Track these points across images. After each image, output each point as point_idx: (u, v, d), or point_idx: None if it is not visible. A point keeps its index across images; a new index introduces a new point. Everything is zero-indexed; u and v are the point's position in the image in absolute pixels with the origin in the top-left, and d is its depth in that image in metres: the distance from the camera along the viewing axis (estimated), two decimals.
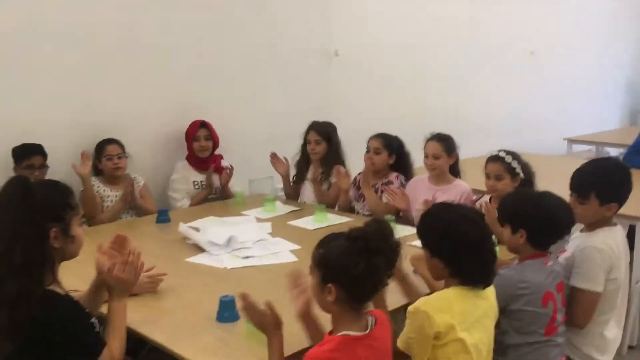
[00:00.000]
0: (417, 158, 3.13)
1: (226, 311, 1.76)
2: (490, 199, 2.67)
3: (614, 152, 5.49)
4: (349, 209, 3.20)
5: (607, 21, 6.94)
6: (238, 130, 3.74)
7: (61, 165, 2.96)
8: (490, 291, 1.63)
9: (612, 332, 2.03)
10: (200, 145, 3.37)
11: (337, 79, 4.28)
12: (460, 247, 1.55)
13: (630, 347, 2.90)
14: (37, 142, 2.86)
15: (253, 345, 1.62)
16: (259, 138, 3.87)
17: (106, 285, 1.62)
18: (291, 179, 3.47)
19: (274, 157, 3.42)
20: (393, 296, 1.75)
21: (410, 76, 4.75)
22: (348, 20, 4.29)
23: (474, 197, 2.88)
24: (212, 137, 3.41)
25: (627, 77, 7.54)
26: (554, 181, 2.13)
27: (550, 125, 6.17)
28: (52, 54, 2.99)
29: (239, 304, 1.52)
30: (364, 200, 3.14)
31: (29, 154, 2.79)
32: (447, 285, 1.60)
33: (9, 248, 1.42)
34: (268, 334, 1.49)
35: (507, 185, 2.53)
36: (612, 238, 1.97)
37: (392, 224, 2.54)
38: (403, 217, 2.94)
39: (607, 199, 1.96)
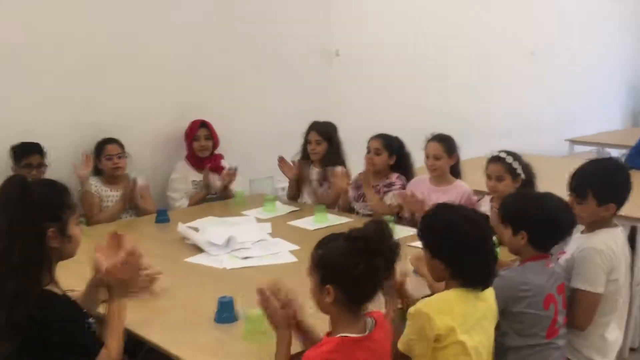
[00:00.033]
0: (418, 158, 3.12)
1: (224, 312, 1.75)
2: (491, 200, 2.66)
3: (615, 153, 5.46)
4: (348, 210, 3.19)
5: (609, 21, 6.92)
6: (238, 130, 3.73)
7: (61, 165, 2.96)
8: (490, 293, 1.62)
9: (613, 334, 2.02)
10: (200, 145, 3.37)
11: (337, 79, 4.27)
12: (460, 248, 1.54)
13: (632, 350, 2.89)
14: (36, 141, 2.85)
15: (251, 346, 1.61)
16: (260, 138, 3.87)
17: (105, 286, 1.61)
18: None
19: (281, 161, 3.37)
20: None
21: (411, 76, 4.74)
22: (349, 20, 4.28)
23: (475, 198, 2.87)
24: (212, 137, 3.40)
25: (629, 77, 7.52)
26: (555, 182, 2.12)
27: (552, 126, 6.15)
28: (52, 53, 2.99)
29: (258, 297, 1.48)
30: (363, 201, 3.13)
31: (27, 153, 2.79)
32: (447, 287, 1.59)
33: (6, 248, 1.42)
34: (278, 330, 1.47)
35: (508, 186, 2.52)
36: (612, 239, 1.96)
37: (392, 225, 2.55)
38: (409, 219, 2.90)
39: (605, 199, 1.95)
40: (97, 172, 3.10)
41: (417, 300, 1.61)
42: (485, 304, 1.60)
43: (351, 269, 1.32)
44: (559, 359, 1.84)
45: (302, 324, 1.51)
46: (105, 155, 3.04)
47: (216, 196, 3.39)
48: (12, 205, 1.45)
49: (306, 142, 3.35)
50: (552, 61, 6.11)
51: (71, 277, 1.64)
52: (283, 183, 3.82)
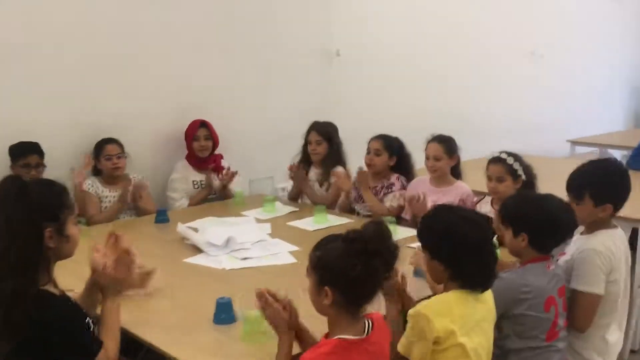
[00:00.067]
0: (418, 159, 3.11)
1: (223, 313, 1.74)
2: (491, 201, 2.65)
3: (617, 154, 5.46)
4: (349, 210, 3.18)
5: (611, 22, 6.91)
6: (238, 130, 3.72)
7: (60, 165, 2.96)
8: (489, 295, 1.62)
9: (614, 336, 2.01)
10: (200, 145, 3.36)
11: (338, 79, 4.26)
12: (459, 249, 1.53)
13: (633, 351, 2.87)
14: (35, 141, 2.85)
15: (249, 347, 1.61)
16: (260, 138, 3.86)
17: (99, 285, 1.61)
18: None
19: (292, 169, 3.30)
20: None
21: (411, 76, 4.73)
22: (349, 21, 4.28)
23: (475, 199, 2.86)
24: (212, 137, 3.40)
25: (631, 78, 7.50)
26: (557, 183, 2.11)
27: (553, 126, 6.14)
28: (52, 53, 2.98)
29: (257, 301, 1.48)
30: (364, 201, 3.12)
31: (25, 153, 2.78)
32: (446, 289, 1.58)
33: (4, 248, 1.41)
34: (279, 333, 1.47)
35: (508, 187, 2.51)
36: (612, 240, 1.95)
37: (393, 226, 2.55)
38: (411, 220, 2.89)
39: (601, 199, 1.94)
40: (97, 172, 3.10)
41: (418, 302, 1.60)
42: (484, 306, 1.59)
43: (349, 270, 1.31)
44: None
45: (299, 326, 1.51)
46: (105, 156, 3.03)
47: (216, 196, 3.38)
48: (9, 205, 1.44)
49: (306, 142, 3.34)
50: (553, 61, 6.10)
51: (70, 277, 1.64)
52: (283, 183, 3.81)
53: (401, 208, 2.99)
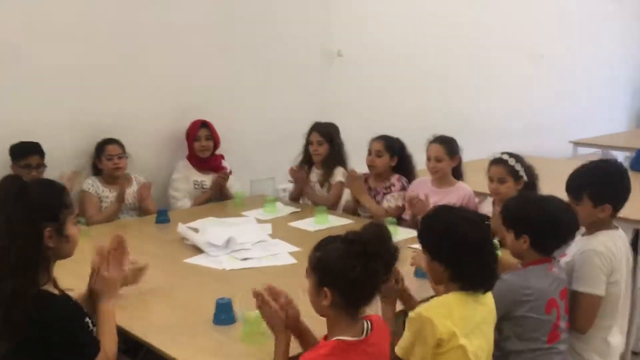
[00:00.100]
0: (420, 160, 3.11)
1: (222, 313, 1.74)
2: (493, 203, 2.64)
3: (620, 155, 5.45)
4: (352, 211, 3.17)
5: (613, 23, 6.90)
6: (239, 130, 3.72)
7: (61, 165, 2.96)
8: (489, 296, 1.61)
9: (615, 337, 2.00)
10: (201, 145, 3.36)
11: (339, 79, 4.26)
12: (459, 250, 1.53)
13: (635, 353, 2.86)
14: (35, 141, 2.84)
15: (249, 347, 1.60)
16: (260, 139, 3.86)
17: (94, 289, 1.61)
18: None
19: (293, 170, 3.30)
20: None
21: (413, 77, 4.73)
22: (351, 21, 4.27)
23: (477, 200, 2.85)
24: (213, 137, 3.39)
25: (633, 78, 7.49)
26: (559, 184, 2.10)
27: (555, 127, 6.13)
28: (52, 53, 2.98)
29: (256, 300, 1.48)
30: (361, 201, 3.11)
31: (26, 154, 2.78)
32: (447, 290, 1.57)
33: (3, 247, 1.41)
34: (276, 333, 1.46)
35: (510, 188, 2.51)
36: (612, 241, 1.94)
37: (394, 227, 2.54)
38: (410, 221, 2.89)
39: (600, 200, 1.94)
40: (97, 172, 3.10)
41: (420, 303, 1.60)
42: (485, 308, 1.59)
43: (348, 271, 1.31)
44: None
45: (300, 325, 1.50)
46: (106, 156, 3.03)
47: (215, 196, 3.38)
48: (9, 205, 1.44)
49: (308, 143, 3.33)
50: (555, 62, 6.10)
51: (70, 277, 1.63)
52: (284, 184, 3.81)
53: (400, 208, 2.98)
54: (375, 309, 1.49)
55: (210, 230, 2.56)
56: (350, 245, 1.33)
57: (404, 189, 3.03)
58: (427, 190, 2.88)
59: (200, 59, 3.55)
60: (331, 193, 3.26)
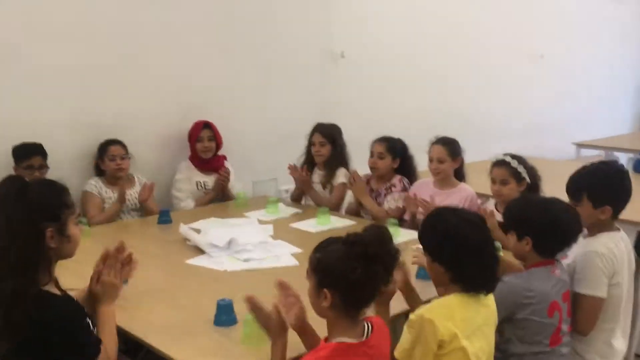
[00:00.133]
0: (422, 161, 3.10)
1: (223, 315, 1.74)
2: (495, 204, 2.64)
3: (623, 157, 5.43)
4: (354, 212, 3.17)
5: (616, 24, 6.88)
6: (241, 131, 3.72)
7: (63, 166, 2.96)
8: (490, 298, 1.60)
9: (618, 340, 1.99)
10: (204, 146, 3.36)
11: (341, 80, 4.26)
12: (460, 251, 1.52)
13: (638, 356, 2.84)
14: (37, 142, 2.85)
15: (250, 349, 1.60)
16: (263, 139, 3.86)
17: (94, 292, 1.62)
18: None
19: (293, 168, 3.30)
20: (392, 302, 1.71)
21: (415, 78, 4.72)
22: (352, 22, 4.27)
23: (479, 202, 2.84)
24: (216, 138, 3.39)
25: (637, 80, 7.46)
26: (561, 186, 2.10)
27: (559, 129, 6.11)
28: (54, 53, 2.98)
29: (247, 305, 1.49)
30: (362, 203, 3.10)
31: (28, 154, 2.78)
32: (448, 291, 1.57)
33: (4, 248, 1.41)
34: (273, 336, 1.46)
35: (512, 190, 2.50)
36: (614, 242, 1.94)
37: (395, 228, 2.54)
38: (410, 221, 2.89)
39: (599, 201, 1.94)
40: (100, 172, 3.10)
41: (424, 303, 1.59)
42: (486, 310, 1.58)
43: (349, 273, 1.30)
44: None
45: (306, 326, 1.50)
46: (109, 156, 3.03)
47: (218, 197, 3.38)
48: (10, 205, 1.44)
49: (310, 144, 3.33)
50: (556, 63, 6.08)
51: (71, 277, 1.63)
52: (286, 185, 3.80)
53: (400, 209, 2.97)
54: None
55: (212, 231, 2.56)
56: (350, 247, 1.33)
57: (405, 189, 3.03)
58: (429, 192, 2.88)
59: (202, 60, 3.55)
60: (333, 194, 3.26)
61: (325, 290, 1.33)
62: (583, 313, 1.89)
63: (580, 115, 6.46)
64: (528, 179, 2.51)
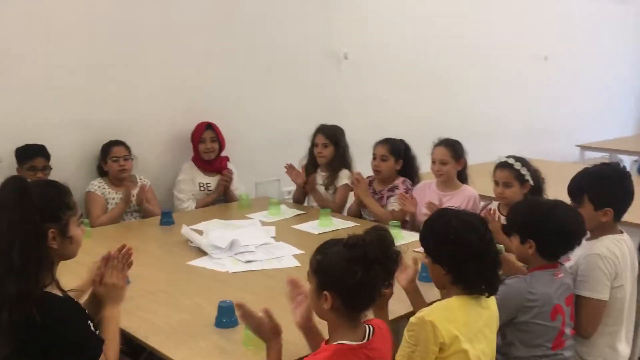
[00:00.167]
0: (425, 163, 3.09)
1: (225, 317, 1.73)
2: (498, 206, 2.63)
3: (627, 159, 5.41)
4: (358, 215, 3.16)
5: (621, 26, 6.85)
6: (244, 132, 3.72)
7: (66, 167, 2.96)
8: (492, 300, 1.60)
9: (621, 344, 1.98)
10: (206, 147, 3.36)
11: (345, 82, 4.26)
12: (460, 253, 1.52)
13: None
14: (40, 143, 2.85)
15: (251, 351, 1.59)
16: (266, 141, 3.86)
17: (99, 295, 1.61)
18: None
19: (290, 167, 3.32)
20: (394, 304, 1.71)
21: (418, 80, 4.72)
22: (357, 24, 4.27)
23: (482, 204, 2.83)
24: (219, 139, 3.40)
25: None
26: (565, 189, 2.09)
27: (562, 131, 6.10)
28: (56, 54, 2.98)
29: (237, 313, 1.50)
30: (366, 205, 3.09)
31: (31, 156, 2.78)
32: (448, 294, 1.57)
33: (6, 249, 1.40)
34: (266, 341, 1.47)
35: (516, 192, 2.49)
36: (616, 245, 1.93)
37: (397, 230, 2.53)
38: (410, 223, 2.89)
39: (601, 203, 1.93)
40: (103, 173, 3.10)
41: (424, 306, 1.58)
42: (487, 312, 1.57)
43: (349, 276, 1.30)
44: None
45: (312, 327, 1.49)
46: (112, 157, 3.04)
47: (223, 199, 3.38)
48: (11, 206, 1.43)
49: (313, 145, 3.33)
50: (564, 65, 6.06)
51: (72, 277, 1.62)
52: (289, 186, 3.80)
53: (404, 211, 2.97)
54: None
55: (214, 232, 2.56)
56: (351, 249, 1.32)
57: (407, 191, 3.02)
58: (431, 193, 2.88)
59: (205, 61, 3.55)
60: (336, 195, 3.25)
61: (325, 292, 1.33)
62: (585, 316, 1.88)
63: (585, 117, 6.44)
64: (531, 182, 2.50)
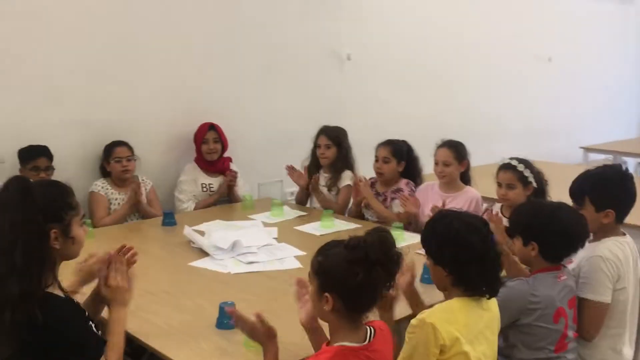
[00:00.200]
0: (428, 164, 3.08)
1: (225, 318, 1.73)
2: (501, 208, 2.62)
3: (631, 161, 5.39)
4: (359, 216, 3.16)
5: (625, 27, 6.83)
6: (247, 133, 3.72)
7: (68, 167, 2.96)
8: (493, 302, 1.59)
9: (625, 347, 1.97)
10: (209, 147, 3.36)
11: (348, 83, 4.25)
12: (461, 254, 1.52)
13: None
14: (43, 144, 2.86)
15: (252, 353, 1.59)
16: (268, 141, 3.86)
17: (104, 298, 1.60)
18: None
19: (290, 169, 3.33)
20: (397, 307, 1.70)
21: (422, 81, 4.71)
22: (360, 25, 4.27)
23: (485, 205, 2.82)
24: (221, 140, 3.40)
25: None
26: (568, 190, 2.08)
27: (566, 132, 6.08)
28: (57, 54, 2.98)
29: (232, 320, 1.51)
30: (371, 207, 3.09)
31: (34, 156, 2.79)
32: (450, 295, 1.56)
33: (8, 249, 1.40)
34: (262, 344, 1.47)
35: (518, 194, 2.48)
36: (619, 247, 1.92)
37: (400, 232, 2.53)
38: (412, 224, 2.89)
39: (602, 205, 1.92)
40: (106, 174, 3.11)
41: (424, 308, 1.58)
42: (488, 314, 1.57)
43: (350, 277, 1.29)
44: None
45: (316, 327, 1.49)
46: (114, 158, 3.04)
47: (225, 199, 3.38)
48: (14, 205, 1.43)
49: (315, 146, 3.33)
50: (566, 66, 6.04)
51: (72, 277, 1.63)
52: (292, 187, 3.80)
53: (410, 214, 2.96)
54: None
55: (216, 233, 2.56)
56: (352, 250, 1.31)
57: (412, 193, 3.01)
58: (434, 195, 2.87)
59: (208, 61, 3.55)
60: (339, 197, 3.25)
61: (326, 294, 1.32)
62: (587, 318, 1.87)
63: (588, 118, 6.42)
64: (534, 183, 2.49)
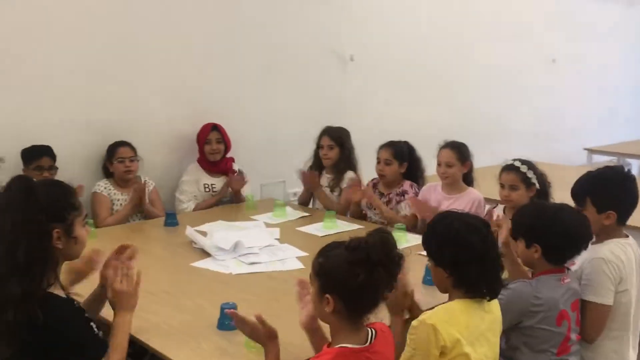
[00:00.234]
0: (431, 165, 3.08)
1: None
2: (504, 210, 2.61)
3: (635, 163, 5.36)
4: (361, 216, 3.15)
5: (629, 28, 6.80)
6: (250, 134, 3.72)
7: (71, 167, 2.97)
8: (495, 304, 1.59)
9: (628, 349, 1.95)
10: (212, 148, 3.36)
11: (351, 84, 4.25)
12: (461, 255, 1.51)
13: None
14: (46, 144, 2.86)
15: (252, 354, 1.59)
16: (271, 142, 3.85)
17: (110, 302, 1.60)
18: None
19: (304, 174, 3.29)
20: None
21: (425, 82, 4.71)
22: (363, 26, 4.27)
23: (488, 207, 2.81)
24: (224, 140, 3.40)
25: None
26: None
27: (570, 134, 6.06)
28: (57, 54, 2.98)
29: (233, 322, 1.50)
30: (375, 208, 3.08)
31: (37, 156, 2.79)
32: (451, 297, 1.56)
33: (11, 248, 1.41)
34: (263, 345, 1.47)
35: (521, 195, 2.47)
36: (621, 249, 1.91)
37: (402, 233, 2.52)
38: (419, 226, 2.87)
39: (603, 206, 1.91)
40: (108, 174, 3.11)
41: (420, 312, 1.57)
42: (490, 316, 1.56)
43: (351, 279, 1.28)
44: None
45: (316, 328, 1.49)
46: (117, 158, 3.04)
47: (228, 199, 3.38)
48: (17, 205, 1.44)
49: (318, 146, 3.33)
50: (570, 68, 6.03)
51: (63, 277, 1.62)
52: (294, 188, 3.80)
53: (416, 216, 2.95)
54: (381, 317, 1.46)
55: (218, 233, 2.56)
56: (353, 251, 1.31)
57: (417, 195, 3.00)
58: (437, 196, 2.87)
59: (211, 62, 3.55)
60: (341, 197, 3.24)
61: (327, 295, 1.32)
62: (589, 320, 1.86)
63: (593, 120, 6.40)
64: (538, 185, 2.48)
